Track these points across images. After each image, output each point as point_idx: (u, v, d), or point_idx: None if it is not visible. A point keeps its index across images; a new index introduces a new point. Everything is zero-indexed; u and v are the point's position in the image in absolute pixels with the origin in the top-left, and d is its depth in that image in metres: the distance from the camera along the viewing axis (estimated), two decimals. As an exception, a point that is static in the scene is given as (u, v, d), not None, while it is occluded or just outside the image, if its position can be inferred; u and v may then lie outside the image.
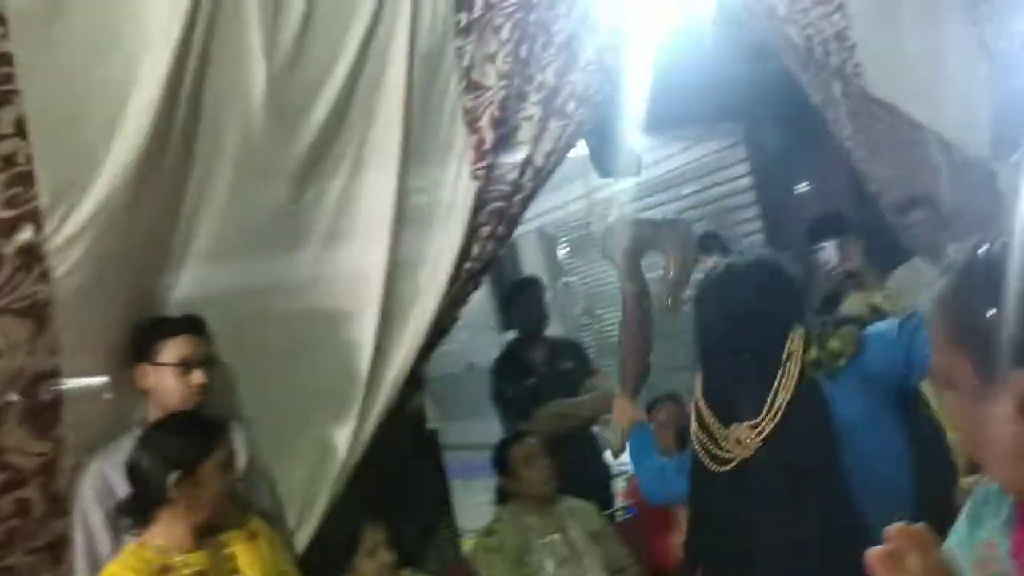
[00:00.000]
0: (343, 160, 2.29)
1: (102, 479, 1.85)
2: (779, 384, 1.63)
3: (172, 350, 1.94)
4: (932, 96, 3.82)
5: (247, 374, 2.19)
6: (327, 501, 2.24)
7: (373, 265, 2.32)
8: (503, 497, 2.77)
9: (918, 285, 3.76)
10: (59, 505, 1.86)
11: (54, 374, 1.79)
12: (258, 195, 2.16)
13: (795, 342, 1.66)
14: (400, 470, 2.63)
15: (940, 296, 0.81)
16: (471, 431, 3.34)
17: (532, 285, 3.78)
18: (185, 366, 1.93)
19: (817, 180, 4.64)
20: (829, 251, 3.59)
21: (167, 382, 1.93)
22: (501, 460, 2.76)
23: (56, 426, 1.82)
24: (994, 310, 0.72)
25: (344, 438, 2.25)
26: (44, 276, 1.69)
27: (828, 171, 4.50)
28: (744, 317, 1.73)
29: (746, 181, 5.24)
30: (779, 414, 1.61)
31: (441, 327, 2.47)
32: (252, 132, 2.11)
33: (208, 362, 1.98)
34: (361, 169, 2.32)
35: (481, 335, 5.90)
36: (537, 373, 3.47)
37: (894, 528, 0.73)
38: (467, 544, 2.67)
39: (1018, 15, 3.85)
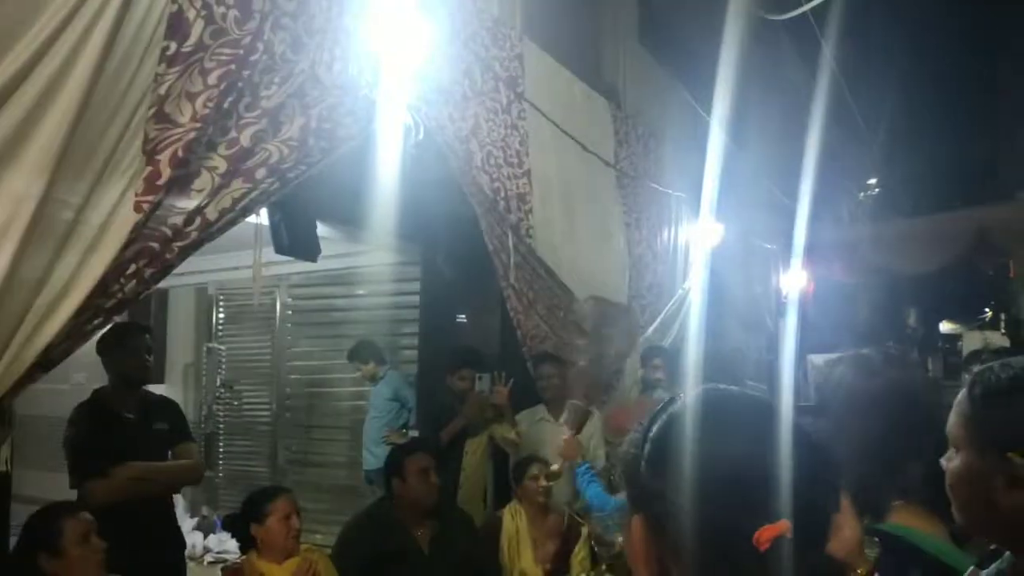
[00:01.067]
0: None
1: None
2: None
3: None
4: (589, 262, 4.49)
5: None
6: None
7: None
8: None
9: (533, 429, 4.27)
10: None
11: None
12: None
13: None
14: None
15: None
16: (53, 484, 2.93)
17: (137, 330, 3.46)
18: None
19: (476, 315, 4.98)
20: (485, 381, 4.04)
21: None
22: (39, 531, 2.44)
23: None
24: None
25: None
26: None
27: (487, 311, 4.87)
28: None
29: (414, 299, 5.47)
30: None
31: (49, 360, 2.19)
32: None
33: None
34: (8, 164, 2.06)
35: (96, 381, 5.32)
36: (124, 427, 3.17)
37: None
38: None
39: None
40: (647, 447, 0.90)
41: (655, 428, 0.90)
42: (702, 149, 5.26)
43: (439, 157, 3.58)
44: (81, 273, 2.21)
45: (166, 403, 3.50)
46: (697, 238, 5.84)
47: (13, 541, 2.59)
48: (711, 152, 5.17)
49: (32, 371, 2.16)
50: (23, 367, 2.11)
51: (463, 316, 5.02)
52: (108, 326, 2.74)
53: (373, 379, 5.38)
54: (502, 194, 3.96)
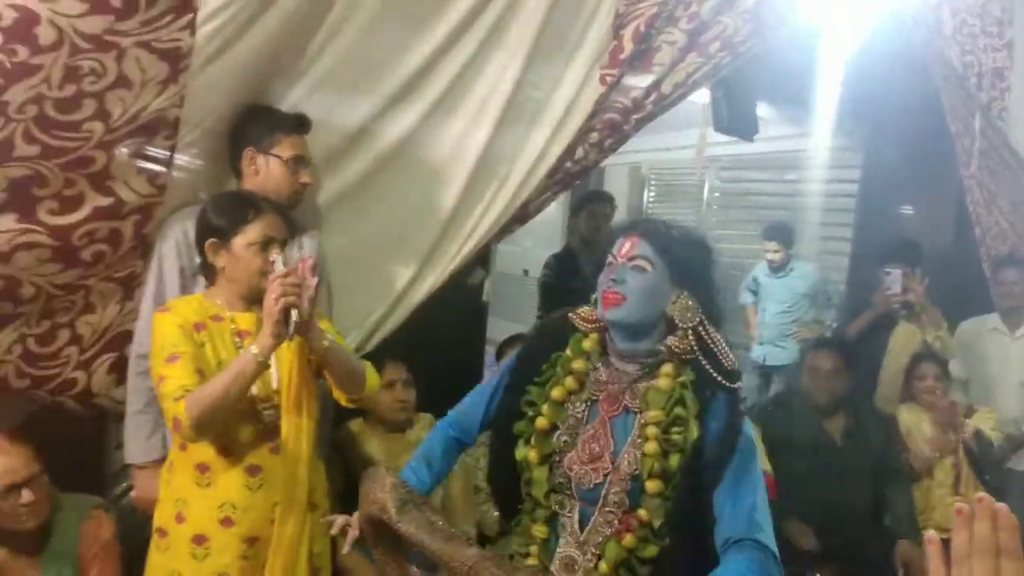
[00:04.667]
0: (476, 33, 2.31)
1: (183, 234, 1.99)
2: None
3: (287, 146, 2.04)
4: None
5: (327, 199, 2.29)
6: (382, 333, 2.40)
7: (472, 145, 2.38)
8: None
9: (979, 341, 3.75)
10: (142, 247, 2.02)
11: (174, 124, 1.91)
12: (388, 42, 2.19)
13: None
14: (451, 327, 2.73)
15: None
16: (508, 331, 3.45)
17: (604, 199, 3.88)
18: (296, 163, 2.05)
19: (923, 207, 4.54)
20: (895, 277, 3.57)
21: (276, 172, 2.04)
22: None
23: (161, 175, 1.96)
24: None
25: (406, 280, 2.38)
26: (190, 27, 1.78)
27: (937, 201, 4.40)
28: None
29: (851, 187, 5.14)
30: None
31: (524, 214, 2.55)
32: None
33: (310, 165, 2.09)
34: (489, 48, 2.34)
35: (541, 247, 5.99)
36: (585, 280, 3.55)
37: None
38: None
39: None
40: None
41: None
42: None
43: (896, 29, 3.24)
44: (549, 147, 2.49)
45: None
46: None
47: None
48: None
49: (511, 223, 2.54)
50: (505, 219, 2.49)
51: (908, 208, 4.60)
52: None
53: (781, 266, 5.01)
54: (974, 69, 3.47)
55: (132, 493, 2.04)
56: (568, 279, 3.73)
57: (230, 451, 1.77)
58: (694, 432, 1.41)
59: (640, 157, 6.53)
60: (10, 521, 1.81)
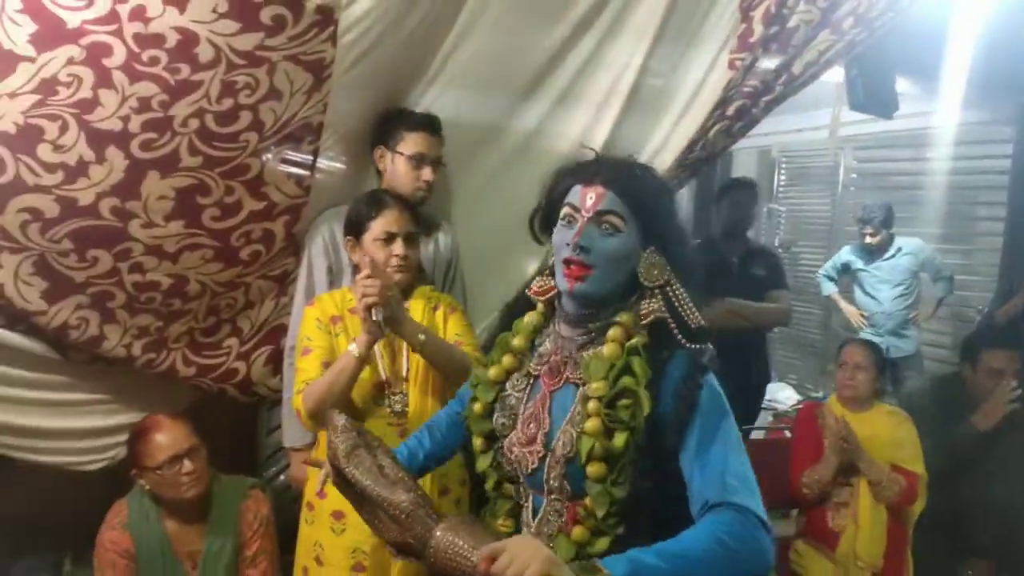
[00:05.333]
0: (601, 23, 2.33)
1: (329, 233, 2.12)
2: None
3: (410, 143, 2.13)
4: None
5: (462, 194, 2.38)
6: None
7: (597, 135, 2.39)
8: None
9: None
10: (293, 245, 2.17)
11: (318, 130, 2.04)
12: (517, 38, 2.24)
13: None
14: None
15: None
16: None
17: (746, 186, 3.74)
18: (419, 160, 2.13)
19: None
20: None
21: (400, 169, 2.14)
22: None
23: (306, 178, 2.10)
24: None
25: (528, 274, 2.42)
26: (332, 39, 1.89)
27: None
28: None
29: (1003, 163, 4.80)
30: None
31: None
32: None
33: (438, 163, 2.17)
34: (613, 37, 2.35)
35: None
36: (728, 268, 3.49)
37: None
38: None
39: None
40: None
41: None
42: None
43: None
44: (674, 134, 2.48)
45: (766, 253, 3.76)
46: None
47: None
48: None
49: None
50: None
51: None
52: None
53: (882, 248, 4.65)
54: None
55: (288, 473, 2.20)
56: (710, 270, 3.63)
57: None
58: (646, 406, 1.20)
59: (770, 140, 6.33)
60: (174, 491, 1.98)
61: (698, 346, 1.24)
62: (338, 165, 2.15)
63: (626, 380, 1.22)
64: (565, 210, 1.28)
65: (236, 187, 1.98)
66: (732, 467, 1.15)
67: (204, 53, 1.79)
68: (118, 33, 1.71)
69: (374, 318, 1.69)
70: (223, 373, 2.19)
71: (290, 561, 2.00)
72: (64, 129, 1.76)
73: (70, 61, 1.70)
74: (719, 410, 1.21)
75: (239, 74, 1.84)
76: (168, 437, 1.98)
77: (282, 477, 2.32)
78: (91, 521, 2.02)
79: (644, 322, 1.25)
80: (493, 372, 1.38)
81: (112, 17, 1.70)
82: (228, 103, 1.86)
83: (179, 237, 1.96)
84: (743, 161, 6.63)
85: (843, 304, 4.95)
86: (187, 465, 1.98)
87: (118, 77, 1.75)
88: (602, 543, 1.25)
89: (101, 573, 1.98)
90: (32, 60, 1.67)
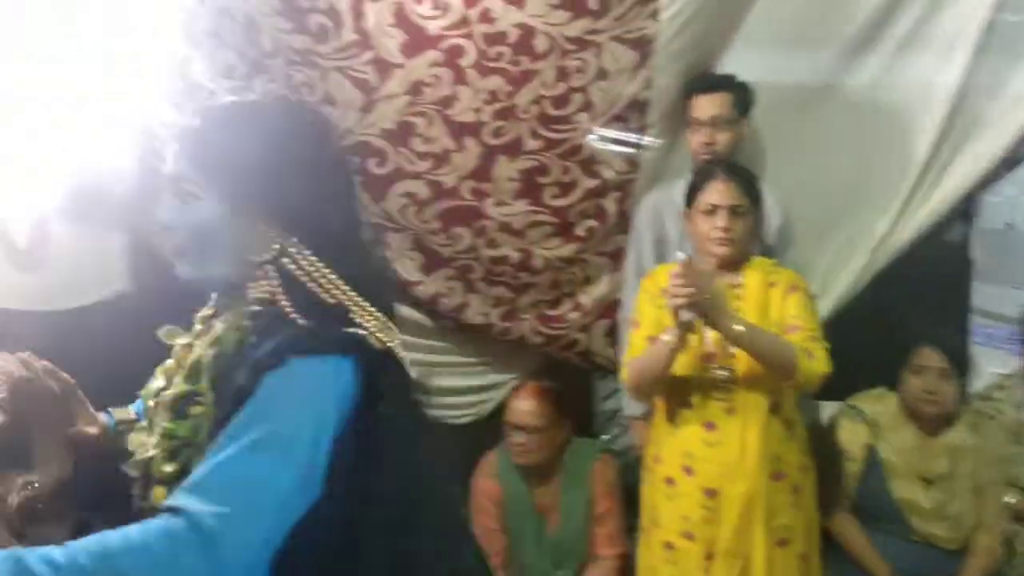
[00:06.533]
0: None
1: (655, 209, 2.18)
2: None
3: (693, 106, 2.06)
4: None
5: (786, 160, 2.27)
6: (848, 287, 2.29)
7: (943, 83, 2.16)
8: None
9: None
10: (625, 222, 2.28)
11: (643, 107, 2.14)
12: None
13: None
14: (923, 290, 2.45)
15: None
16: (991, 296, 2.80)
17: None
18: (700, 123, 2.04)
19: None
20: None
21: (690, 134, 2.10)
22: None
23: (635, 155, 2.20)
24: None
25: (883, 229, 2.25)
26: (654, 15, 1.99)
27: None
28: None
29: None
30: None
31: (1012, 159, 2.21)
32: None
33: (724, 123, 2.04)
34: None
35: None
36: None
37: None
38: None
39: None
40: None
41: None
42: None
43: None
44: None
45: None
46: None
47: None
48: None
49: (997, 169, 2.24)
50: (985, 164, 2.21)
51: None
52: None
53: None
54: None
55: (629, 438, 2.30)
56: None
57: (687, 403, 1.86)
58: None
59: None
60: (512, 454, 2.21)
61: (347, 333, 0.94)
62: (662, 141, 2.22)
63: (182, 387, 0.97)
64: None
65: (572, 167, 2.17)
66: (229, 462, 0.84)
67: (540, 44, 2.01)
68: (469, 36, 2.01)
69: (682, 319, 1.69)
70: (567, 343, 2.37)
71: (631, 522, 2.10)
72: (430, 123, 2.09)
73: (432, 64, 2.03)
74: (272, 396, 0.87)
75: (571, 59, 2.03)
76: (518, 406, 2.21)
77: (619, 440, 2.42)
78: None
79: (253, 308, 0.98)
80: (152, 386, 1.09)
81: (463, 22, 2.00)
82: (562, 87, 2.06)
83: (524, 214, 2.20)
84: None
85: None
86: (517, 436, 2.18)
87: (471, 74, 2.04)
88: None
89: (475, 515, 2.23)
90: (401, 66, 2.03)
